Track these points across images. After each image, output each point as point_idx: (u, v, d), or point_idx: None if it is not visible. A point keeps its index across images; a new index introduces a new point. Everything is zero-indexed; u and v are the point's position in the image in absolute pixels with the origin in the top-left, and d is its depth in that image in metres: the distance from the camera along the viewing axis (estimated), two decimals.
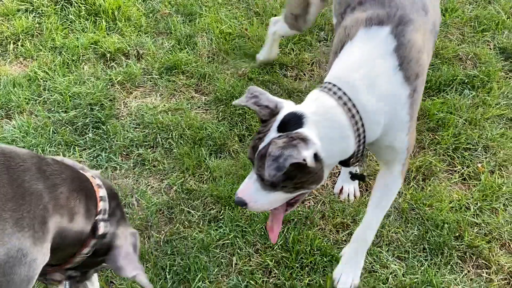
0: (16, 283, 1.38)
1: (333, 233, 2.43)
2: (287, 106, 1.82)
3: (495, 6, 3.48)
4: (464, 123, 2.85)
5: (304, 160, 1.66)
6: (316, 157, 1.72)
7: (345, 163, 1.91)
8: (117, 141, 2.78)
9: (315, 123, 1.73)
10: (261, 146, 1.76)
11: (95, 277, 1.97)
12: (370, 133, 1.81)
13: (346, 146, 1.79)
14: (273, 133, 1.76)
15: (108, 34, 3.35)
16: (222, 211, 2.50)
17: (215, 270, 2.29)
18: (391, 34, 1.80)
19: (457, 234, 2.41)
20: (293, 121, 1.73)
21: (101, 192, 1.67)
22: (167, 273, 2.26)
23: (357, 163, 1.94)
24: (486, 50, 3.21)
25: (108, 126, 2.84)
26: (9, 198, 1.39)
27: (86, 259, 1.67)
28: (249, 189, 1.83)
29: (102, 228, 1.63)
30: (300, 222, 2.44)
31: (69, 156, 2.70)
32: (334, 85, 1.78)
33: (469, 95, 2.99)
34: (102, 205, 1.66)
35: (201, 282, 2.24)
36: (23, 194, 1.42)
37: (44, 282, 1.76)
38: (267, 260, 2.32)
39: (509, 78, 3.10)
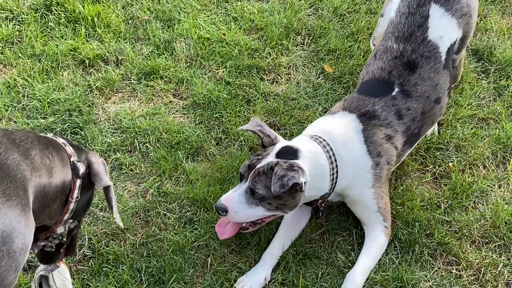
0: (15, 252, 1.44)
1: (305, 232, 2.48)
2: (282, 140, 2.30)
3: None
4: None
5: (301, 184, 2.06)
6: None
7: (312, 203, 2.34)
8: (95, 146, 2.82)
9: (307, 159, 2.16)
10: (259, 165, 2.15)
11: (67, 276, 2.02)
12: (340, 180, 2.26)
13: (323, 185, 2.24)
14: (271, 158, 2.18)
15: (87, 41, 3.39)
16: (198, 213, 2.54)
17: (190, 271, 2.33)
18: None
19: (428, 232, 2.47)
20: (290, 153, 2.18)
21: (60, 140, 1.79)
22: (142, 275, 2.30)
23: (322, 206, 2.36)
24: None
25: (86, 132, 2.87)
26: None
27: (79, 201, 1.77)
28: (233, 200, 2.18)
29: (81, 168, 1.75)
30: (273, 222, 2.49)
31: None
32: (321, 137, 2.27)
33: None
34: (69, 149, 1.77)
35: (176, 283, 2.27)
36: (2, 166, 1.49)
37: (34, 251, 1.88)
38: (242, 261, 2.36)
39: (481, 79, 3.16)
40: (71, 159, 1.76)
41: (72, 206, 1.76)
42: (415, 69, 2.38)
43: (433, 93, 2.41)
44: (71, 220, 1.84)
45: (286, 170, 2.04)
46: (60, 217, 1.78)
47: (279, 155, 2.20)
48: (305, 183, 2.09)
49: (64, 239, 1.88)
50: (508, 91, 3.07)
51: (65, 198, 1.74)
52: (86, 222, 2.50)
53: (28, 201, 1.53)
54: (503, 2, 3.63)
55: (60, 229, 1.82)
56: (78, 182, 1.75)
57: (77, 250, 2.29)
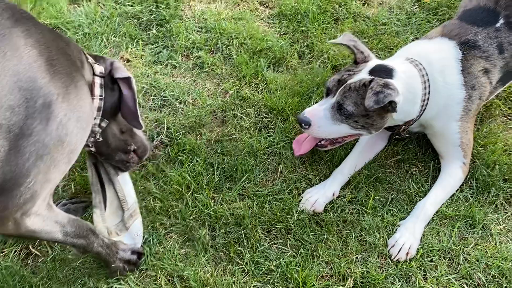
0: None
1: (379, 157, 2.44)
2: (375, 58, 2.21)
3: None
4: None
5: (396, 103, 1.99)
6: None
7: (396, 128, 2.28)
8: (179, 41, 2.81)
9: (401, 80, 2.08)
10: (350, 81, 2.10)
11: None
12: (429, 107, 2.19)
13: (413, 109, 2.16)
14: (363, 75, 2.10)
15: None
16: (274, 121, 2.53)
17: (261, 174, 2.35)
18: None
19: (507, 177, 2.38)
20: (384, 71, 2.10)
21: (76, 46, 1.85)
22: (215, 170, 2.33)
23: (404, 133, 2.31)
24: None
25: (171, 25, 2.86)
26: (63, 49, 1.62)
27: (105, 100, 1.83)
28: (318, 113, 2.13)
29: (98, 67, 1.82)
30: (349, 143, 2.45)
31: (131, 49, 2.75)
32: (418, 60, 2.18)
33: None
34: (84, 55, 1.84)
35: (247, 182, 2.30)
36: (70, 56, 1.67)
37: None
38: (312, 173, 2.36)
39: None
40: (88, 60, 1.82)
41: (97, 103, 1.80)
42: None
43: None
44: (102, 119, 1.87)
45: (382, 87, 1.98)
46: None
47: (372, 72, 2.12)
48: (398, 103, 2.03)
49: (98, 136, 1.90)
50: None
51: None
52: (166, 112, 2.54)
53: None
54: None
55: (95, 128, 1.87)
56: (98, 80, 1.80)
57: (152, 149, 2.33)
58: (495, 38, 2.23)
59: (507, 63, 2.27)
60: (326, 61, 2.78)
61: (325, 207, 2.25)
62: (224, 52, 2.79)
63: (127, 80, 1.85)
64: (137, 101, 1.89)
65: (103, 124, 1.87)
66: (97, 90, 1.78)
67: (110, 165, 2.10)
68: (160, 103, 2.59)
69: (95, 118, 1.81)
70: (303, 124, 2.15)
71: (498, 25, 2.24)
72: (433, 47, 2.26)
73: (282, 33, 2.90)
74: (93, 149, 1.93)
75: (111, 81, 1.86)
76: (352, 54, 2.24)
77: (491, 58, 2.23)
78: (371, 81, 2.04)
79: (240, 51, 2.78)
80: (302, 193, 2.30)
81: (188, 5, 3.00)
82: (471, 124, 2.31)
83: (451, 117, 2.25)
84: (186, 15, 2.95)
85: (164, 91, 2.62)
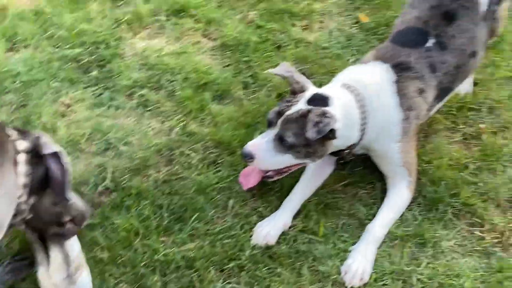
0: None
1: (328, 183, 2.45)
2: (312, 87, 2.22)
3: None
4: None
5: (335, 130, 2.03)
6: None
7: (339, 153, 2.29)
8: (120, 81, 2.78)
9: (338, 107, 2.11)
10: (288, 112, 2.11)
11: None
12: (369, 131, 2.21)
13: (352, 134, 2.19)
14: (301, 105, 2.12)
15: None
16: (222, 155, 2.51)
17: (211, 212, 2.32)
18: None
19: (454, 192, 2.42)
20: (321, 100, 2.12)
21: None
22: (164, 212, 2.30)
23: (348, 156, 2.32)
24: None
25: (112, 66, 2.84)
26: None
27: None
28: (260, 146, 2.13)
29: (23, 144, 1.73)
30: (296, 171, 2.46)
31: (72, 93, 2.71)
32: (353, 86, 2.20)
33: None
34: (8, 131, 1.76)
35: (197, 221, 2.28)
36: None
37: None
38: (263, 205, 2.35)
39: None
40: (12, 138, 1.74)
41: (22, 180, 1.72)
42: (452, 20, 2.27)
43: (470, 47, 2.32)
44: (31, 195, 1.77)
45: (320, 117, 2.01)
46: None
47: (310, 102, 2.14)
48: (337, 130, 2.05)
49: (26, 214, 1.80)
50: None
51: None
52: (110, 156, 2.50)
53: None
54: None
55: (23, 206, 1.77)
56: (23, 156, 1.72)
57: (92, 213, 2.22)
58: (427, 58, 2.29)
59: (441, 81, 2.32)
60: (271, 90, 2.80)
61: (278, 239, 2.24)
62: (167, 88, 2.78)
63: (54, 155, 1.80)
64: (68, 174, 1.80)
65: (32, 201, 1.81)
66: (22, 167, 1.73)
67: None
68: (104, 147, 2.55)
69: (21, 196, 1.75)
70: (246, 158, 2.16)
71: (428, 45, 2.30)
72: (367, 71, 2.30)
73: (225, 64, 2.91)
74: (22, 226, 1.87)
75: (38, 156, 1.80)
76: (290, 85, 2.26)
77: (424, 78, 2.28)
78: (309, 111, 2.06)
79: (184, 86, 2.77)
80: (254, 227, 2.29)
81: (129, 42, 2.99)
82: (413, 143, 2.35)
83: (391, 138, 2.28)
84: (127, 53, 2.93)
85: (107, 134, 2.58)
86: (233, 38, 2.98)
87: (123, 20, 3.04)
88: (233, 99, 2.75)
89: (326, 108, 2.09)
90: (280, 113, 2.15)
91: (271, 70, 2.33)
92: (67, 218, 1.94)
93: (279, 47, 3.01)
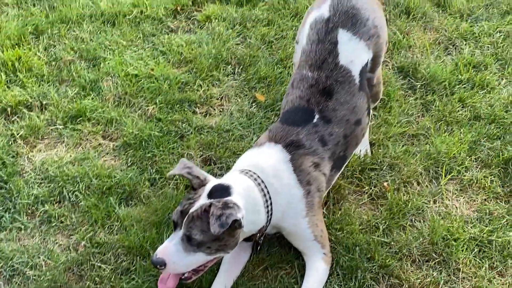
0: None
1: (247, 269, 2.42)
2: (213, 179, 2.22)
3: (391, 27, 3.65)
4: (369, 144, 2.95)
5: (239, 220, 2.02)
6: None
7: (250, 238, 2.28)
8: (21, 199, 2.67)
9: (240, 195, 2.13)
10: (192, 210, 2.08)
11: None
12: (274, 211, 2.24)
13: (259, 219, 2.21)
14: (203, 200, 2.11)
15: (8, 88, 3.24)
16: (134, 261, 2.43)
17: None
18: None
19: (369, 256, 2.46)
20: (222, 191, 2.13)
21: None
22: None
23: (260, 240, 2.33)
24: (385, 71, 3.34)
25: (11, 185, 2.73)
26: None
27: None
28: (169, 250, 2.08)
29: None
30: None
31: None
32: (251, 171, 2.24)
33: (371, 116, 3.09)
34: None
35: None
36: None
37: None
38: None
39: (408, 96, 3.24)
40: None
41: None
42: (331, 95, 2.40)
43: (353, 116, 2.44)
44: None
45: (222, 209, 1.99)
46: None
47: (211, 195, 2.15)
48: (242, 218, 2.05)
49: None
50: (435, 106, 3.15)
51: None
52: (16, 283, 2.35)
53: None
54: (424, 18, 3.76)
55: None
56: None
57: None
58: (316, 133, 2.37)
59: (334, 152, 2.41)
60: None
61: None
62: (71, 199, 2.69)
63: None
64: None
65: None
66: None
67: None
68: (9, 275, 2.40)
69: None
70: (158, 266, 2.10)
71: (315, 121, 2.39)
72: (262, 154, 2.35)
73: (129, 164, 2.88)
74: None
75: None
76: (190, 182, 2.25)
77: (317, 152, 2.35)
78: (210, 205, 2.05)
79: (88, 194, 2.70)
80: None
81: (27, 157, 2.90)
82: (320, 215, 2.39)
83: (297, 215, 2.31)
84: (26, 169, 2.83)
85: (11, 260, 2.44)
86: (134, 136, 2.97)
87: (18, 135, 2.96)
88: (140, 199, 2.70)
89: (228, 199, 2.09)
90: (183, 212, 2.13)
91: (170, 172, 2.32)
92: None
93: (182, 137, 3.02)
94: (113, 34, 3.58)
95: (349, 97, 2.41)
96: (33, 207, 2.66)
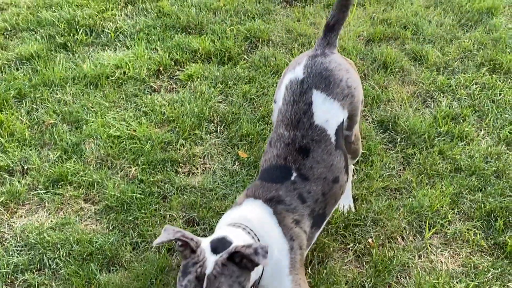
0: None
1: None
2: (203, 239, 2.13)
3: (370, 82, 3.73)
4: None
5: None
6: None
7: None
8: (0, 268, 2.61)
9: (241, 241, 2.06)
10: (208, 271, 2.00)
11: None
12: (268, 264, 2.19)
13: (258, 268, 2.12)
14: (212, 257, 2.02)
15: None
16: None
17: None
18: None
19: None
20: (223, 243, 2.07)
21: None
22: None
23: None
24: (365, 125, 3.39)
25: None
26: None
27: None
28: None
29: None
30: None
31: None
32: (239, 223, 2.21)
33: (353, 171, 3.11)
34: None
35: None
36: None
37: None
38: None
39: (389, 150, 3.27)
40: None
41: None
42: (308, 154, 2.42)
43: (330, 174, 2.45)
44: None
45: (249, 247, 1.94)
46: None
47: (215, 250, 2.06)
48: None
49: None
50: (416, 159, 3.18)
51: None
52: None
53: None
54: (402, 71, 3.84)
55: None
56: None
57: None
58: (294, 190, 2.37)
59: (313, 209, 2.40)
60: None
61: None
62: (51, 267, 2.64)
63: None
64: None
65: None
66: None
67: None
68: None
69: None
70: None
71: (292, 178, 2.40)
72: (245, 209, 2.31)
73: (111, 228, 2.84)
74: None
75: None
76: (181, 247, 2.11)
77: (297, 209, 2.34)
78: (232, 254, 1.99)
79: (68, 261, 2.65)
80: None
81: (7, 224, 2.85)
82: (302, 275, 2.35)
83: (281, 272, 2.26)
84: (5, 236, 2.79)
85: None
86: (116, 199, 2.95)
87: None
88: (121, 264, 2.65)
89: (244, 240, 2.08)
90: (199, 278, 2.00)
91: (158, 240, 2.13)
92: None
93: (165, 198, 3.01)
94: (96, 95, 3.62)
95: (326, 155, 2.43)
96: (12, 276, 2.60)
